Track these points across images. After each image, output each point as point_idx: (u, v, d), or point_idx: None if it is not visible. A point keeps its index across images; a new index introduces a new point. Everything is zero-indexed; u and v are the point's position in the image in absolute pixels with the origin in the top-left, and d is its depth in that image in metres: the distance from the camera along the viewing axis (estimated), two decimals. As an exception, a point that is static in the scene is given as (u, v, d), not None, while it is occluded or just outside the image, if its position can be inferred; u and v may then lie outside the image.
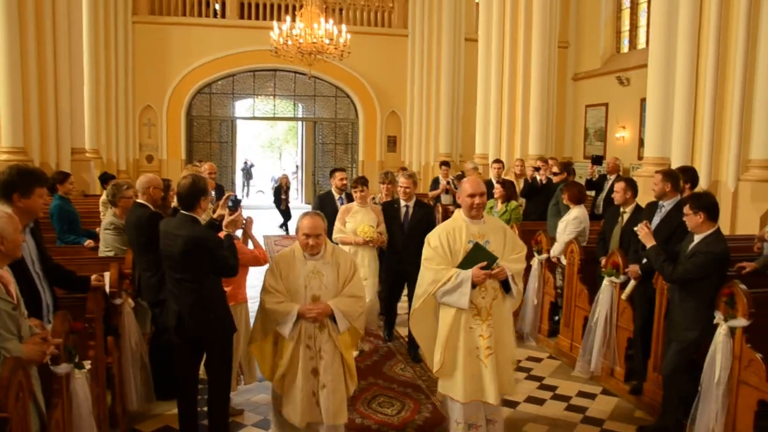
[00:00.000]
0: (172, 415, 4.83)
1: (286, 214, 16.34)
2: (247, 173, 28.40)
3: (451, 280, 4.05)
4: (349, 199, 7.09)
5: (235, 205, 4.51)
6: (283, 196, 16.41)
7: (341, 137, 20.70)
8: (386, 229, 6.57)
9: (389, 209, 6.68)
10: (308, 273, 4.06)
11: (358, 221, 6.39)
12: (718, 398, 4.34)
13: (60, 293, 4.20)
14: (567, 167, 9.44)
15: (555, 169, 9.20)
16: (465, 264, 4.09)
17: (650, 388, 5.31)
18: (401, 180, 6.66)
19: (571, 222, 6.70)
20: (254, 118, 23.31)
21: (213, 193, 7.13)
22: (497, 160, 10.39)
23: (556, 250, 6.84)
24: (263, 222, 16.92)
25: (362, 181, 6.58)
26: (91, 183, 12.11)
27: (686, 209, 4.58)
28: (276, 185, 17.72)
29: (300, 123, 23.36)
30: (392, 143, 20.14)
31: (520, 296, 4.50)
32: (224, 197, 4.54)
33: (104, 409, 4.24)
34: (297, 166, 26.24)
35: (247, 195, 26.91)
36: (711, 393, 4.37)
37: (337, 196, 7.20)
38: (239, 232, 4.69)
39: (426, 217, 6.59)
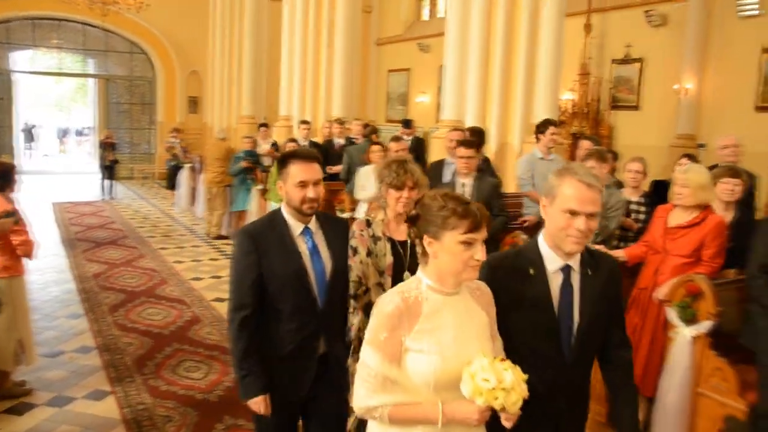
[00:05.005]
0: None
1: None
2: (29, 135, 25.61)
3: None
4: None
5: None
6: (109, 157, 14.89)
7: (138, 97, 19.35)
8: None
9: None
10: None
11: (447, 342, 1.98)
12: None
13: None
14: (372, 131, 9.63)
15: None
16: None
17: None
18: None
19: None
20: (35, 72, 21.06)
21: None
22: (305, 121, 10.38)
23: (360, 212, 6.96)
24: (52, 189, 15.62)
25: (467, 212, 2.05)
26: None
27: (473, 152, 4.91)
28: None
29: (91, 80, 21.47)
30: (194, 104, 19.27)
31: None
32: None
33: None
34: (89, 128, 24.18)
35: (30, 159, 24.34)
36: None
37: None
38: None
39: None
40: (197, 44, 18.66)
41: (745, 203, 4.57)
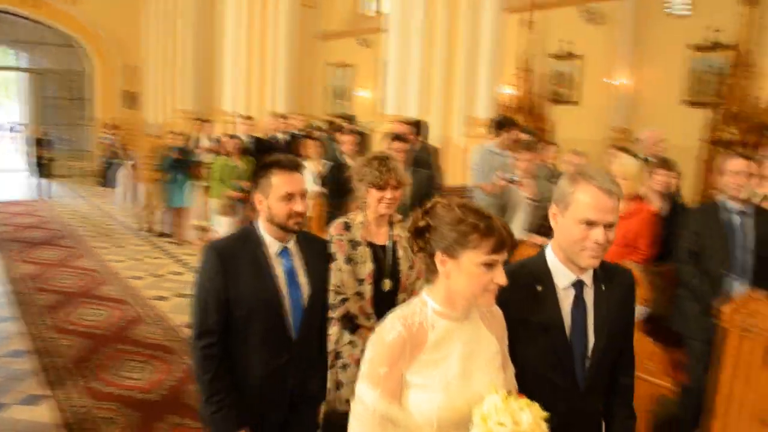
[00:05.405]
0: None
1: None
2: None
3: None
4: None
5: None
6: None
7: (74, 91, 18.67)
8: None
9: None
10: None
11: (452, 375, 1.71)
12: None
13: None
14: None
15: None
16: None
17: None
18: None
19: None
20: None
21: None
22: (247, 117, 10.26)
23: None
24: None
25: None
26: None
27: (407, 146, 5.00)
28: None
29: (22, 74, 20.63)
30: (132, 99, 18.75)
31: None
32: None
33: None
34: (21, 124, 23.24)
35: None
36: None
37: None
38: None
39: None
40: (135, 38, 18.15)
41: (675, 194, 4.74)
